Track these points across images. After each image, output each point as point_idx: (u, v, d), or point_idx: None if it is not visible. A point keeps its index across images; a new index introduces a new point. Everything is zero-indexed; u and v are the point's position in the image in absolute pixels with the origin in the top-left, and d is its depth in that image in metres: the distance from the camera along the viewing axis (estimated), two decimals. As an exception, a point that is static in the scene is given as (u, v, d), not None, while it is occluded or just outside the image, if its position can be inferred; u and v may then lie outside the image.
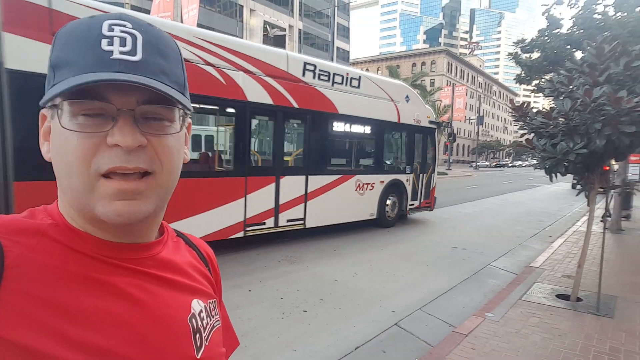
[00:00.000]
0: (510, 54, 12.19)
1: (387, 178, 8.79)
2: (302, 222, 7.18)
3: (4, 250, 0.47)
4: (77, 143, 0.49)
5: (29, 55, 4.00)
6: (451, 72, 76.97)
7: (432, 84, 65.88)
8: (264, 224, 6.62)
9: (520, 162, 77.55)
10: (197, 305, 0.63)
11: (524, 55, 11.40)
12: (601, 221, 4.72)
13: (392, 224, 8.97)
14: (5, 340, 0.44)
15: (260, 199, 6.49)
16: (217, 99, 5.83)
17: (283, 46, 49.04)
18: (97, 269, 0.52)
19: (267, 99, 6.41)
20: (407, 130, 9.22)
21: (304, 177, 7.13)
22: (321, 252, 6.45)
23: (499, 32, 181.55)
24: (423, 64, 76.63)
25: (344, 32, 59.82)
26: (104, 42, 0.50)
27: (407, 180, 9.32)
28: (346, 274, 5.39)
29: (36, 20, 4.25)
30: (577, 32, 9.63)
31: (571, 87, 4.08)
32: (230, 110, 6.37)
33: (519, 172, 46.05)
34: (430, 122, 9.81)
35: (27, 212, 0.55)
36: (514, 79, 12.49)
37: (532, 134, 4.41)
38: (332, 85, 7.43)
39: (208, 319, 0.64)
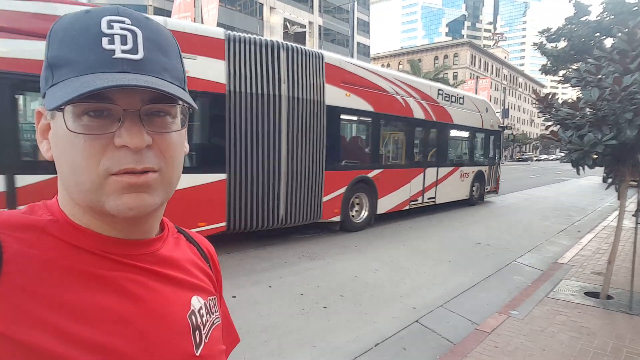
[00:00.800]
0: (535, 44, 11.81)
1: (476, 169, 11.81)
2: (434, 200, 10.14)
3: (3, 245, 0.47)
4: (84, 145, 0.49)
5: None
6: (475, 65, 75.38)
7: (455, 77, 64.72)
8: (417, 200, 9.61)
9: (545, 156, 75.46)
10: (197, 302, 0.62)
11: (549, 45, 11.03)
12: (633, 215, 4.52)
13: (475, 203, 12.00)
14: (3, 336, 0.44)
15: (416, 184, 9.53)
16: (400, 117, 8.90)
17: (303, 43, 49.08)
18: (96, 265, 0.52)
19: (422, 116, 9.45)
20: (486, 133, 12.25)
21: (436, 168, 10.11)
22: (342, 248, 6.43)
23: (524, 22, 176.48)
24: (446, 57, 75.31)
25: (365, 27, 59.34)
26: (105, 40, 0.49)
27: (486, 170, 12.38)
28: (366, 270, 5.35)
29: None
30: (607, 19, 9.24)
31: (600, 75, 3.90)
32: (403, 123, 9.17)
33: (545, 166, 44.77)
34: (499, 126, 12.87)
35: (26, 207, 0.56)
36: (540, 70, 12.12)
37: (558, 126, 4.25)
38: (450, 103, 10.43)
39: (208, 315, 0.64)
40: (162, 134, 0.53)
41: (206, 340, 0.61)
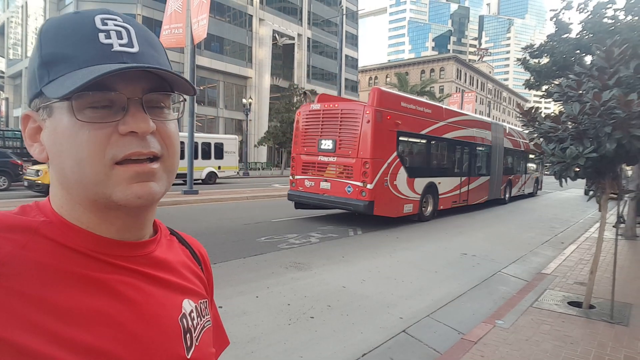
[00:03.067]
0: (518, 59, 12.12)
1: (506, 178, 16.23)
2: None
3: None
4: (89, 135, 0.50)
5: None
6: (460, 79, 76.73)
7: (442, 90, 65.70)
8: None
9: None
10: (188, 305, 0.62)
11: (532, 61, 11.33)
12: (614, 227, 4.63)
13: (506, 202, 16.24)
14: None
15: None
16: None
17: (292, 54, 49.40)
18: (89, 267, 0.52)
19: (509, 145, 16.37)
20: (522, 152, 17.61)
21: (509, 176, 16.48)
22: (329, 259, 6.43)
23: (508, 38, 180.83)
24: (432, 70, 76.54)
25: (353, 40, 60.08)
26: (101, 35, 0.51)
27: (513, 179, 17.12)
28: (354, 281, 5.36)
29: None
30: (586, 37, 9.55)
31: (580, 91, 4.03)
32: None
33: (530, 179, 45.45)
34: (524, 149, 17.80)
35: (18, 208, 0.55)
36: (523, 85, 12.41)
37: (541, 139, 4.36)
38: (508, 135, 16.41)
39: (199, 319, 0.64)
40: (162, 123, 0.55)
41: (197, 343, 0.61)
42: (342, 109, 9.53)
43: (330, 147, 9.48)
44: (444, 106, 12.56)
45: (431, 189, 10.80)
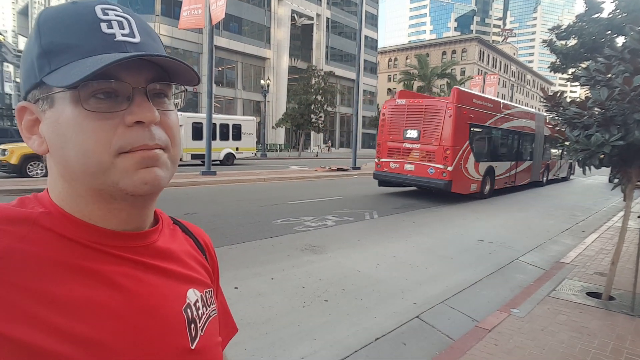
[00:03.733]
0: (544, 40, 11.68)
1: (545, 162, 17.62)
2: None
3: None
4: (95, 125, 0.49)
5: None
6: (483, 61, 74.71)
7: (463, 72, 64.20)
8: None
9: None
10: (192, 294, 0.62)
11: (559, 43, 10.91)
12: (639, 217, 4.49)
13: (544, 184, 17.76)
14: None
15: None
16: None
17: (311, 35, 48.78)
18: (90, 258, 0.52)
19: (548, 133, 16.22)
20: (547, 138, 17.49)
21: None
22: (344, 242, 6.45)
23: (535, 19, 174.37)
24: (454, 52, 74.67)
25: (373, 21, 58.89)
26: (104, 25, 0.51)
27: (551, 163, 18.52)
28: (369, 265, 5.37)
29: None
30: (619, 16, 9.10)
31: (609, 75, 3.86)
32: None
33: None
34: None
35: (16, 200, 0.55)
36: (549, 67, 11.99)
37: (566, 125, 4.22)
38: (548, 124, 15.88)
39: (204, 308, 0.63)
40: (164, 113, 0.55)
41: (202, 334, 0.61)
42: (425, 104, 11.52)
43: (415, 135, 11.52)
44: (501, 100, 14.26)
45: (490, 171, 12.77)
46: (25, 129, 0.55)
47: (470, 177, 11.73)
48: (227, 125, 22.04)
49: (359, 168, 20.63)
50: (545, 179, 18.02)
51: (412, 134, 11.56)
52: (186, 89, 0.59)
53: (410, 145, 11.65)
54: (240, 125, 22.91)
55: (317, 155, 37.18)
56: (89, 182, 0.52)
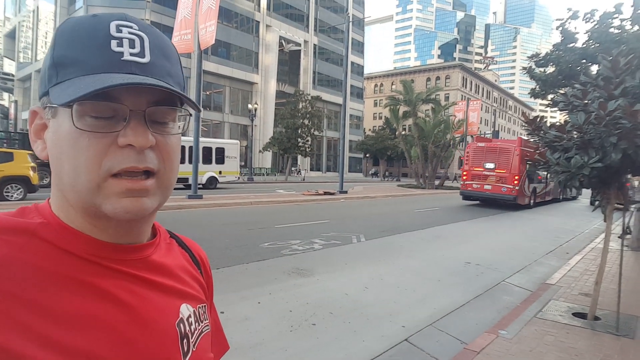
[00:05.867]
0: (524, 68, 12.12)
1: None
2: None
3: None
4: (88, 144, 0.49)
5: None
6: (466, 87, 76.74)
7: (447, 98, 65.76)
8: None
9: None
10: (185, 310, 0.62)
11: (538, 70, 11.33)
12: (619, 237, 4.59)
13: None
14: None
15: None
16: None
17: (298, 61, 49.64)
18: (86, 271, 0.52)
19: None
20: None
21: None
22: (331, 265, 6.41)
23: (515, 47, 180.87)
24: (438, 78, 76.63)
25: (359, 47, 60.32)
26: (114, 43, 0.51)
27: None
28: (356, 288, 5.33)
29: None
30: (592, 46, 9.55)
31: (586, 100, 4.02)
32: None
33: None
34: None
35: (17, 210, 0.55)
36: (529, 93, 12.39)
37: (546, 148, 4.35)
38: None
39: (197, 324, 0.63)
40: (163, 137, 0.54)
41: (194, 349, 0.61)
42: (499, 147, 18.29)
43: (492, 166, 17.92)
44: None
45: (534, 190, 19.07)
46: (33, 132, 0.56)
47: (526, 194, 18.13)
48: (210, 148, 21.51)
49: (345, 192, 20.71)
50: (562, 196, 23.64)
51: (490, 165, 17.96)
52: (190, 114, 0.59)
53: (488, 173, 18.01)
54: (223, 148, 22.50)
55: (304, 179, 37.24)
56: (75, 198, 0.52)
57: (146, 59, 0.52)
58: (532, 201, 18.82)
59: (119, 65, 0.50)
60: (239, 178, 25.07)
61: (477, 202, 19.32)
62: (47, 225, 0.53)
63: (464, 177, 19.03)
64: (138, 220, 0.55)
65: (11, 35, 51.38)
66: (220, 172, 22.05)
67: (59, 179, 0.53)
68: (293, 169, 37.86)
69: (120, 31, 0.52)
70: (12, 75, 50.54)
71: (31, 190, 12.15)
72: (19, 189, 11.91)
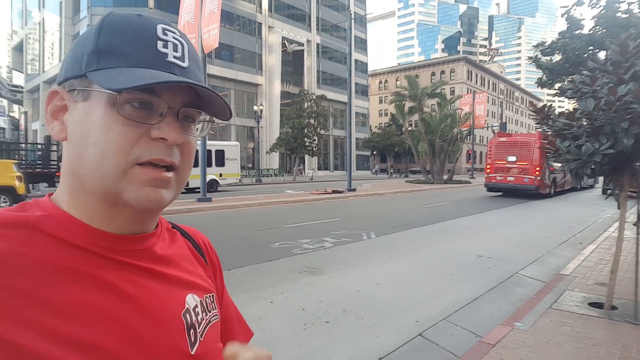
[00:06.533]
0: (530, 57, 11.98)
1: None
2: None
3: None
4: (122, 130, 0.51)
5: None
6: (471, 80, 76.16)
7: (452, 92, 65.38)
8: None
9: None
10: (192, 300, 0.61)
11: (544, 59, 11.19)
12: (634, 225, 4.52)
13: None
14: None
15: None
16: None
17: (302, 61, 49.67)
18: (88, 262, 0.52)
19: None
20: None
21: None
22: (343, 263, 6.40)
23: (519, 38, 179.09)
24: (442, 72, 76.19)
25: (362, 45, 60.18)
26: (160, 43, 0.54)
27: None
28: (368, 285, 5.32)
29: None
30: (599, 32, 9.40)
31: (595, 87, 3.96)
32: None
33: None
34: None
35: (17, 205, 0.56)
36: (536, 83, 12.24)
37: (556, 136, 4.29)
38: None
39: (204, 314, 0.63)
40: (187, 136, 0.57)
41: (201, 339, 0.60)
42: (520, 141, 19.65)
43: (514, 159, 19.10)
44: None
45: (554, 180, 19.93)
46: (50, 113, 0.56)
47: (546, 183, 19.04)
48: (210, 150, 20.95)
49: (354, 189, 20.67)
50: (579, 185, 23.98)
51: (512, 158, 19.14)
52: (213, 120, 0.62)
53: (510, 165, 19.17)
54: (223, 150, 22.20)
55: (312, 179, 37.26)
56: (96, 183, 0.53)
57: (186, 64, 0.56)
58: (552, 190, 19.88)
59: (164, 65, 0.54)
60: (240, 180, 24.82)
61: (500, 193, 20.44)
62: (48, 217, 0.53)
63: (488, 170, 20.30)
64: (151, 213, 0.57)
65: (19, 48, 52.14)
66: (220, 175, 21.79)
67: (77, 161, 0.53)
68: (295, 168, 37.84)
69: (166, 34, 0.55)
70: (21, 87, 51.26)
71: (17, 200, 11.89)
72: (4, 199, 11.72)
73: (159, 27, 0.55)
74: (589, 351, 3.31)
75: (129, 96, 0.51)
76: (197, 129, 0.60)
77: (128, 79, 0.49)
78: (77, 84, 0.53)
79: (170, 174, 0.55)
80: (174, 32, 0.56)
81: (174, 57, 0.55)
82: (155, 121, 0.53)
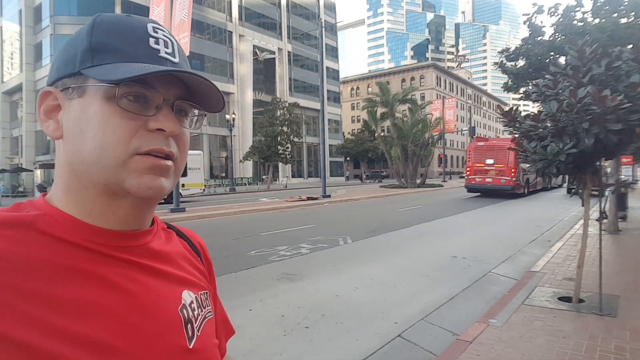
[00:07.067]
0: (495, 63, 12.42)
1: None
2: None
3: None
4: (120, 123, 0.52)
5: None
6: (440, 86, 78.09)
7: (423, 97, 66.76)
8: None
9: None
10: (187, 296, 0.62)
11: (509, 64, 11.62)
12: (597, 221, 4.74)
13: None
14: None
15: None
16: None
17: (273, 69, 49.68)
18: (85, 259, 0.52)
19: None
20: None
21: None
22: (320, 268, 6.41)
23: (485, 44, 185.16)
24: (412, 79, 77.77)
25: (333, 52, 60.77)
26: (152, 40, 0.56)
27: None
28: (347, 289, 5.35)
29: None
30: (558, 39, 9.86)
31: (557, 89, 4.15)
32: None
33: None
34: None
35: (12, 206, 0.55)
36: (502, 87, 12.69)
37: (523, 138, 4.47)
38: None
39: (199, 310, 0.64)
40: (181, 129, 0.59)
41: (198, 334, 0.61)
42: (497, 145, 21.18)
43: (492, 162, 20.75)
44: None
45: (527, 181, 21.68)
46: (43, 113, 0.57)
47: (521, 184, 20.81)
48: None
49: (329, 196, 20.76)
50: (549, 185, 25.59)
51: (489, 160, 20.78)
52: (205, 114, 0.64)
53: (488, 168, 20.78)
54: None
55: (286, 187, 37.16)
56: (97, 175, 0.53)
57: (177, 59, 0.58)
58: (526, 190, 21.58)
59: (158, 60, 0.55)
60: (204, 190, 24.10)
61: (477, 194, 21.99)
62: (43, 216, 0.53)
63: (468, 172, 21.90)
64: (150, 202, 0.58)
65: None
66: (183, 185, 20.97)
67: (75, 157, 0.54)
68: (264, 177, 37.33)
69: (156, 32, 0.57)
70: (-21, 98, 48.96)
71: None
72: None
73: (149, 26, 0.57)
74: (560, 343, 3.44)
75: (126, 90, 0.52)
76: (191, 121, 0.62)
77: (127, 71, 0.51)
78: (70, 82, 0.54)
79: (169, 162, 0.56)
80: (163, 30, 0.59)
81: (166, 52, 0.57)
82: (151, 113, 0.54)
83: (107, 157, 0.52)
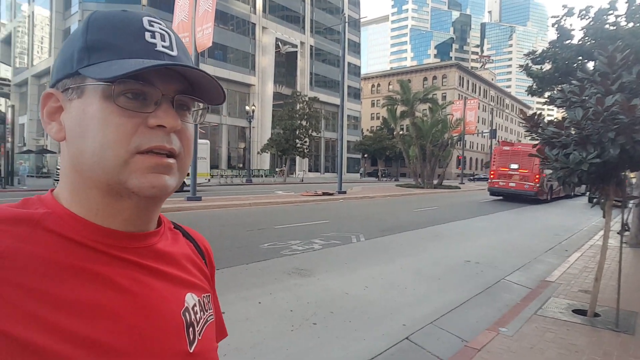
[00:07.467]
0: (521, 65, 12.13)
1: None
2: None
3: None
4: (119, 121, 0.51)
5: None
6: (462, 86, 76.90)
7: (444, 97, 65.86)
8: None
9: None
10: (191, 299, 0.62)
11: (535, 67, 11.33)
12: (618, 233, 4.60)
13: None
14: None
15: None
16: None
17: (295, 62, 49.68)
18: (91, 259, 0.52)
19: None
20: None
21: None
22: (332, 265, 6.41)
23: (510, 46, 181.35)
24: (434, 78, 76.79)
25: (355, 48, 60.40)
26: (147, 34, 0.55)
27: None
28: (357, 287, 5.33)
29: None
30: (588, 43, 9.55)
31: (583, 96, 4.03)
32: None
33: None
34: None
35: (20, 201, 0.56)
36: (526, 91, 12.40)
37: (545, 144, 4.35)
38: None
39: (201, 313, 0.64)
40: (184, 124, 0.57)
41: (199, 337, 0.61)
42: (522, 149, 20.99)
43: (516, 167, 20.95)
44: None
45: (550, 187, 21.54)
46: (46, 115, 0.57)
47: (545, 190, 20.97)
48: None
49: (344, 192, 20.72)
50: (573, 193, 24.61)
51: (514, 165, 21.00)
52: (207, 108, 0.63)
53: (512, 172, 21.08)
54: None
55: (302, 180, 37.23)
56: (99, 176, 0.53)
57: (175, 53, 0.56)
58: (549, 197, 21.64)
59: (154, 54, 0.54)
60: (209, 180, 24.21)
61: (499, 198, 22.33)
62: (50, 214, 0.53)
63: (492, 176, 22.44)
64: (155, 201, 0.57)
65: (7, 41, 51.25)
66: (188, 175, 21.34)
67: (78, 158, 0.54)
68: (278, 169, 37.34)
69: (152, 26, 0.56)
70: (9, 81, 50.38)
71: None
72: None
73: (145, 20, 0.56)
74: (572, 357, 3.36)
75: (123, 87, 0.51)
76: (193, 115, 0.61)
77: (121, 68, 0.50)
78: (69, 83, 0.54)
79: (171, 160, 0.55)
80: (159, 24, 0.57)
81: (163, 46, 0.55)
82: (151, 110, 0.53)
83: (108, 157, 0.52)
